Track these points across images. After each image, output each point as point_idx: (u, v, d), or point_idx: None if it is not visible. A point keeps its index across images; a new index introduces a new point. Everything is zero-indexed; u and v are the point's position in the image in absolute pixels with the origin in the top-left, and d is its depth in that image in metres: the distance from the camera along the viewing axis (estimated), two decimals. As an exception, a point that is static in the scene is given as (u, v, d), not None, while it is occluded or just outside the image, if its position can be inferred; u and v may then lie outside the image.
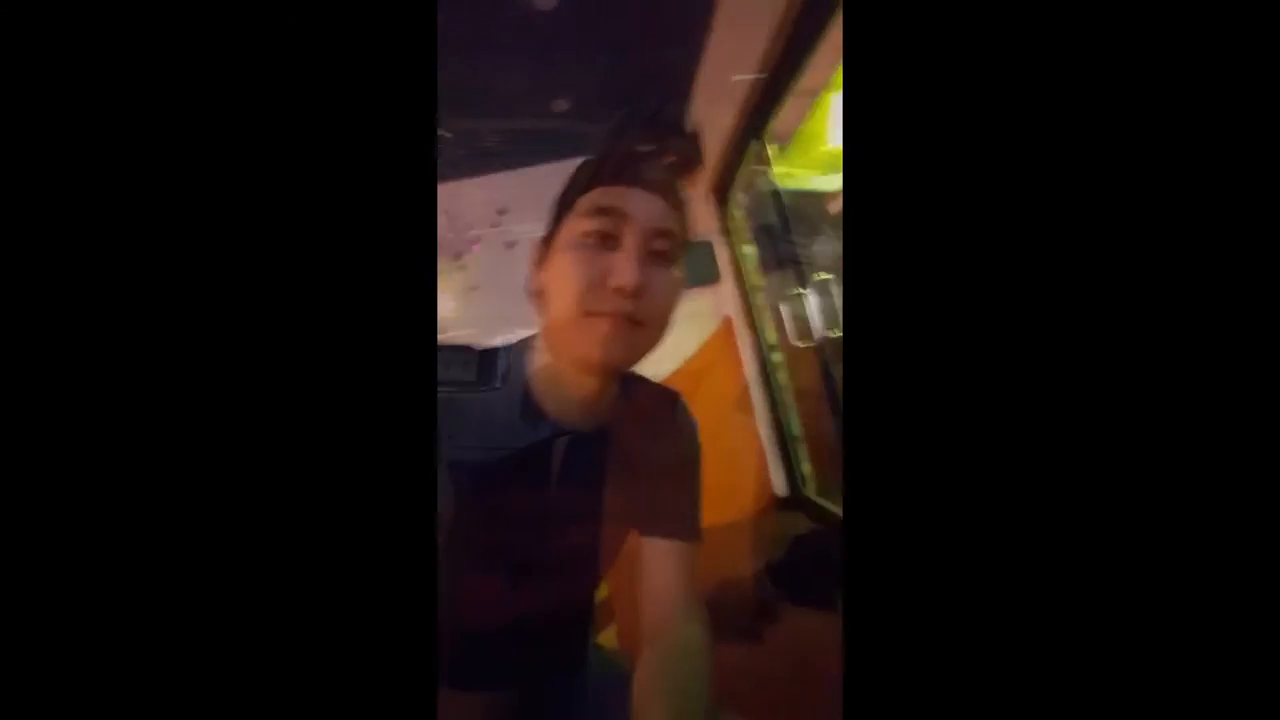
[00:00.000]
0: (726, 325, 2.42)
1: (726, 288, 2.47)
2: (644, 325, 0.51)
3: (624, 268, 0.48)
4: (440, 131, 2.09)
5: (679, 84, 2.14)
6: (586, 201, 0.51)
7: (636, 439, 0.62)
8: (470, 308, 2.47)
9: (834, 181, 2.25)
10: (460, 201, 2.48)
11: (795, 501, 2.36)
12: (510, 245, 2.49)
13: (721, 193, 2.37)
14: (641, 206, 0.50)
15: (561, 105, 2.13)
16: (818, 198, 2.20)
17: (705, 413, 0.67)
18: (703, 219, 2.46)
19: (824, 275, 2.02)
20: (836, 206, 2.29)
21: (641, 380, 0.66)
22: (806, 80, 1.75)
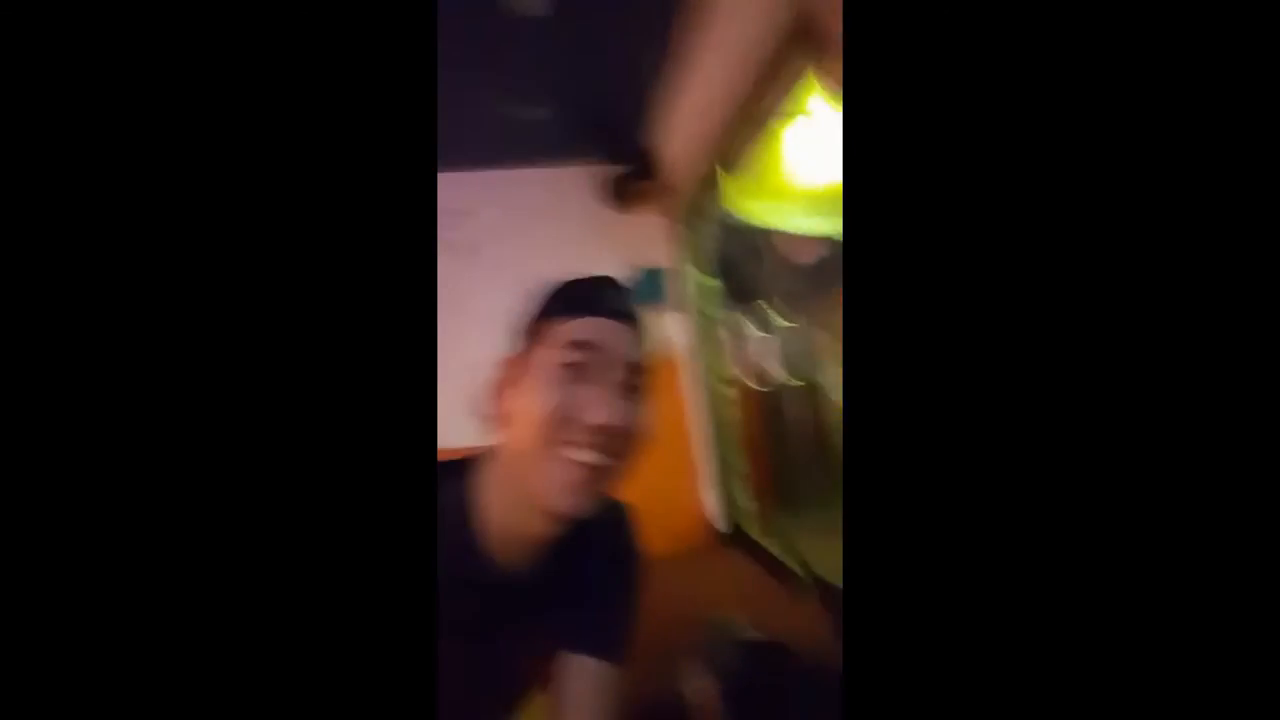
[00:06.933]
0: (669, 352, 2.38)
1: (675, 315, 2.44)
2: (614, 462, 0.49)
3: (601, 404, 0.47)
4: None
5: (659, 105, 2.14)
6: (562, 331, 0.49)
7: (574, 566, 0.58)
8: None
9: (798, 220, 2.27)
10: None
11: (735, 538, 2.33)
12: (463, 250, 2.39)
13: (682, 218, 2.36)
14: (616, 340, 0.49)
15: (535, 113, 2.08)
16: (787, 238, 2.21)
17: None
18: (659, 243, 2.45)
19: (789, 322, 2.01)
20: (810, 255, 2.31)
21: None
22: (781, 109, 1.75)
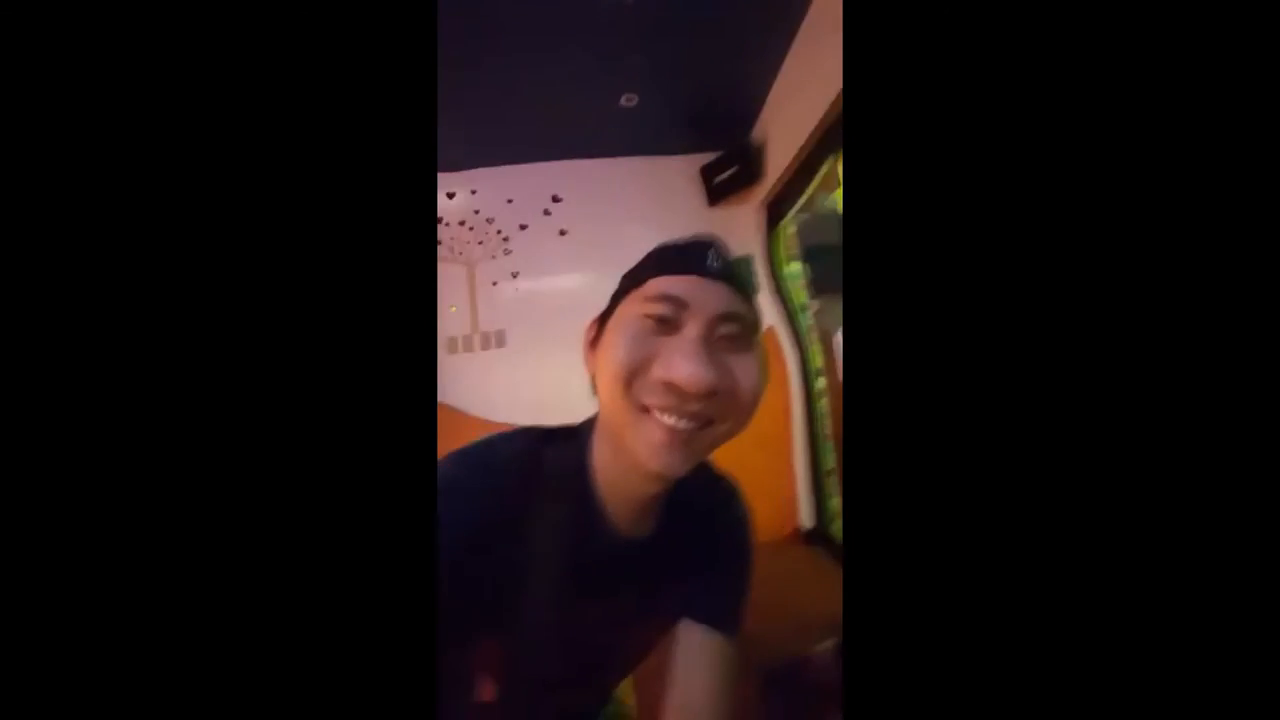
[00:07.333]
0: (769, 336, 2.33)
1: (764, 302, 2.38)
2: (714, 422, 0.45)
3: (680, 358, 0.43)
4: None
5: (754, 93, 2.08)
6: (650, 286, 0.47)
7: (687, 536, 0.58)
8: (506, 293, 2.46)
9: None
10: (514, 186, 2.47)
11: (819, 536, 2.26)
12: (555, 236, 2.47)
13: (776, 208, 2.29)
14: (705, 294, 0.45)
15: (630, 100, 2.09)
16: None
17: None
18: (750, 230, 2.40)
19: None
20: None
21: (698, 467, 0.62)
22: None
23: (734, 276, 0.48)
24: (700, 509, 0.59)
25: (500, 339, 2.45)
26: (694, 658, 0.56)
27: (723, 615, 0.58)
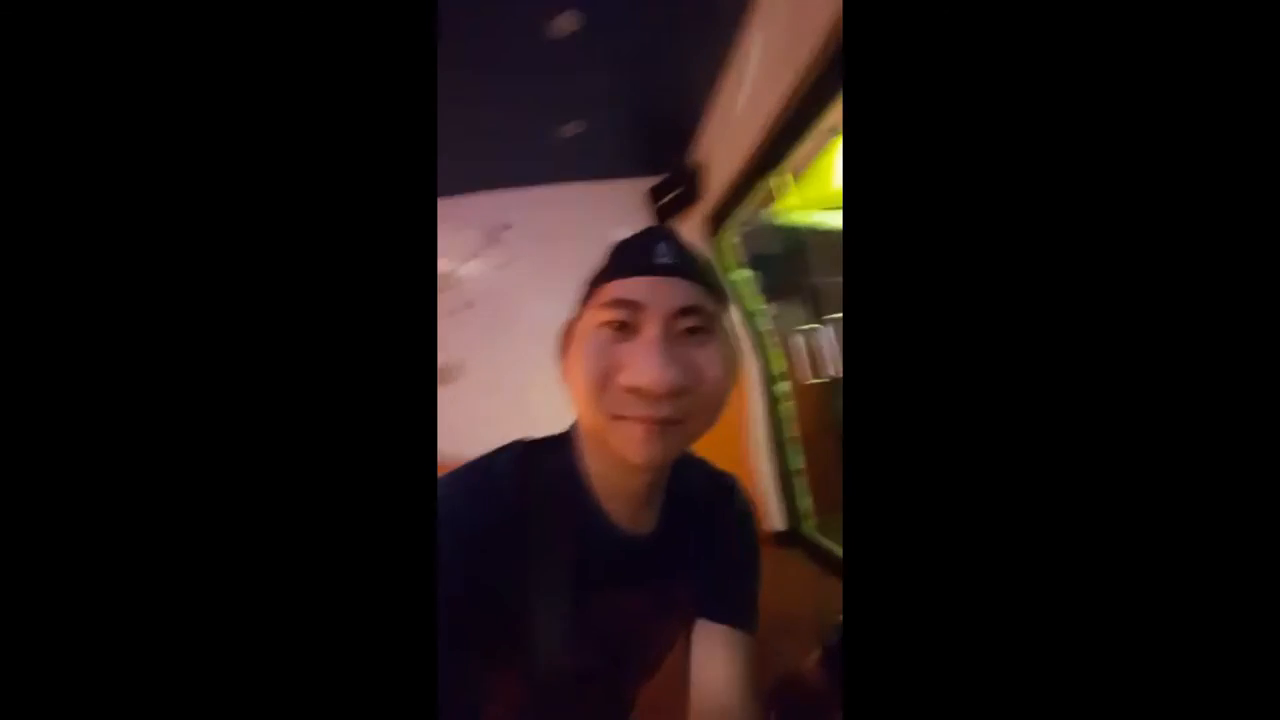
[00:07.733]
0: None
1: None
2: (685, 420, 0.46)
3: (641, 363, 0.44)
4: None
5: (692, 115, 2.15)
6: (604, 292, 0.47)
7: (691, 534, 0.59)
8: (463, 323, 2.45)
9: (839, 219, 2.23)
10: (465, 216, 2.47)
11: (792, 537, 2.30)
12: (508, 264, 2.47)
13: (717, 221, 2.35)
14: (658, 292, 0.46)
15: (574, 129, 2.13)
16: (828, 234, 2.18)
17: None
18: (694, 242, 2.44)
19: (837, 314, 1.98)
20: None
21: (695, 465, 0.62)
22: (832, 117, 1.72)
23: (687, 266, 0.48)
24: (702, 505, 0.60)
25: (460, 370, 2.43)
26: (713, 656, 0.56)
27: (738, 611, 0.58)
